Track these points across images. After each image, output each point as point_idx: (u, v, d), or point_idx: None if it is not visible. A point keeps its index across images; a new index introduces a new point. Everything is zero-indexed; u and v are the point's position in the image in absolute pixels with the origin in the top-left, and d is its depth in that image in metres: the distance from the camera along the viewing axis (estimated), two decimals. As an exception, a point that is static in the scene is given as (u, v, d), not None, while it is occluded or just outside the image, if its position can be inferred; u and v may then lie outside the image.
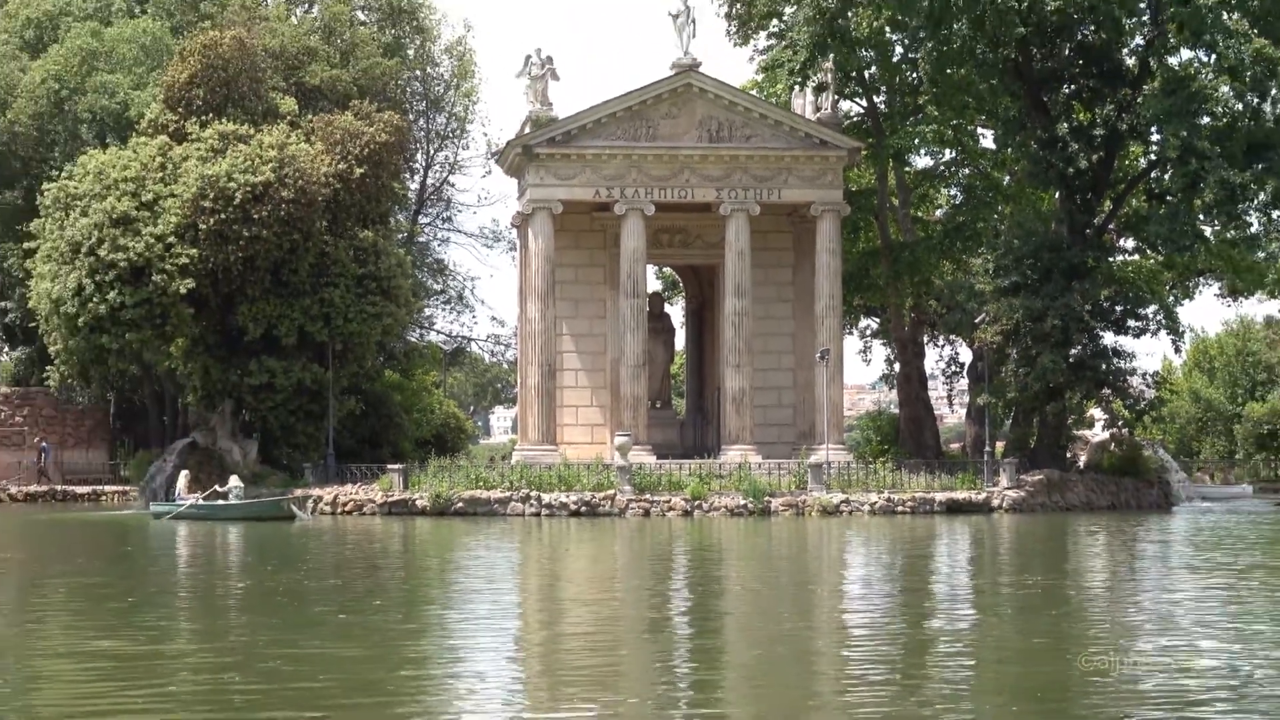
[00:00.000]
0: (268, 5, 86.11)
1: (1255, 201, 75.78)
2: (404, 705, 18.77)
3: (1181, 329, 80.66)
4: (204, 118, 73.95)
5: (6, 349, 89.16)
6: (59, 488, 77.95)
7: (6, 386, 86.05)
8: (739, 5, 76.45)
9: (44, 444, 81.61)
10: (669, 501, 64.40)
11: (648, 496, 64.99)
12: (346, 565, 40.99)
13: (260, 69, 75.91)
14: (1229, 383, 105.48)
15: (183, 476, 66.44)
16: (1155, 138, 75.92)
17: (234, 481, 63.93)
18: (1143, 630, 27.45)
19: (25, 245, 78.33)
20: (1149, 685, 20.61)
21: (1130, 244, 79.40)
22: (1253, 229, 78.27)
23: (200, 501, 61.82)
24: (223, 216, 70.67)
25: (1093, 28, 74.10)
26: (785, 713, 18.99)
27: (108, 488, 76.02)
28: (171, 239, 70.95)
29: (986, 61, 73.64)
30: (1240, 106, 72.74)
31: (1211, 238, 77.16)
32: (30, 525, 59.24)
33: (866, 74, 76.34)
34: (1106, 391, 77.35)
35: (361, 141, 74.40)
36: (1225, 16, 71.30)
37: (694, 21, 73.22)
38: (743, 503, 64.18)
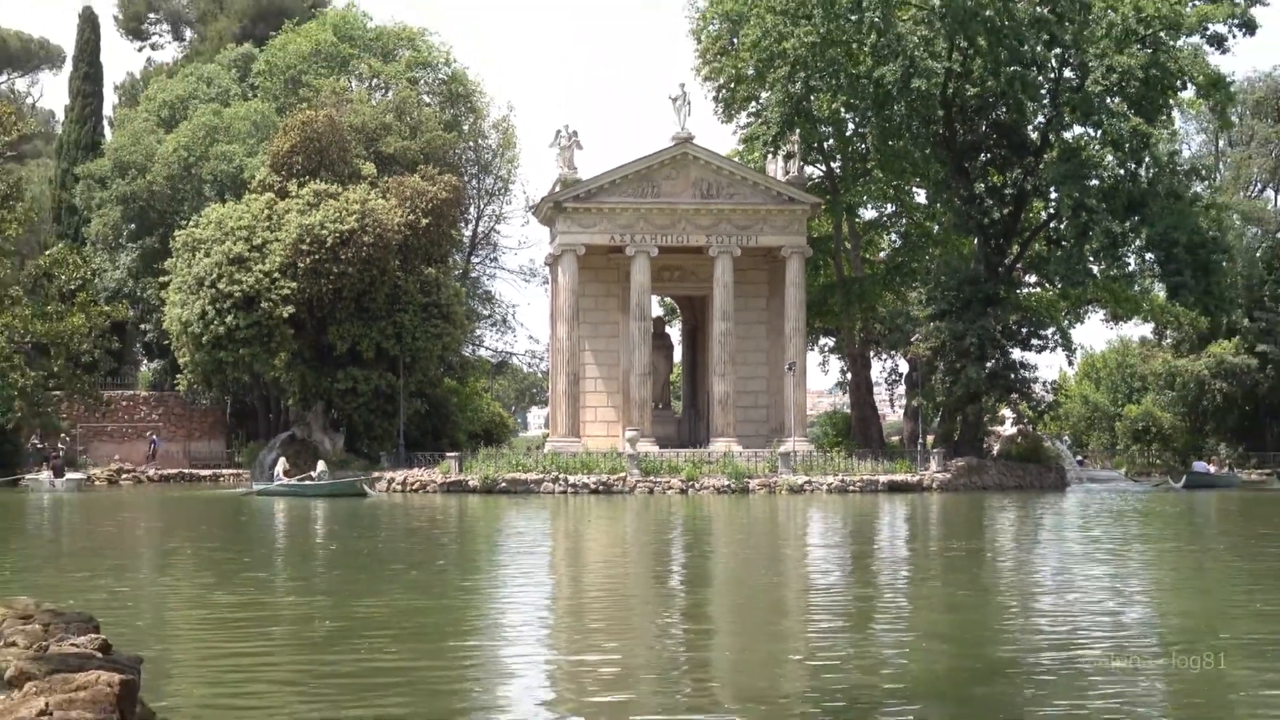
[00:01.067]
0: (352, 90, 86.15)
1: (1132, 247, 75.88)
2: (462, 644, 19.03)
3: (1074, 346, 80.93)
4: (301, 179, 74.36)
5: (146, 361, 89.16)
6: (186, 470, 78.01)
7: (145, 391, 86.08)
8: (724, 90, 76.53)
9: (154, 437, 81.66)
10: (668, 482, 64.52)
11: (651, 478, 65.14)
12: (414, 533, 41.07)
13: (346, 141, 76.17)
14: (1111, 389, 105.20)
15: (281, 461, 66.52)
16: (1053, 196, 76.38)
17: (321, 466, 64.23)
18: (1042, 584, 27.96)
19: (160, 279, 78.59)
20: (1049, 625, 20.93)
21: (1033, 279, 79.44)
22: (1130, 269, 78.56)
23: (294, 482, 61.95)
24: (316, 257, 71.09)
25: (1003, 109, 74.39)
26: (765, 646, 19.25)
27: (224, 471, 76.13)
28: (276, 274, 71.42)
29: (919, 135, 73.73)
30: (1121, 171, 72.77)
31: (1098, 275, 77.22)
32: (164, 501, 59.26)
33: (825, 145, 76.30)
34: (1014, 396, 77.84)
35: (426, 198, 74.78)
36: (1109, 100, 71.34)
37: (689, 103, 73.31)
38: (727, 483, 64.31)
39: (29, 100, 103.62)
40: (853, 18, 69.15)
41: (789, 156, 74.56)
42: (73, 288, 75.42)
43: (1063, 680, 15.38)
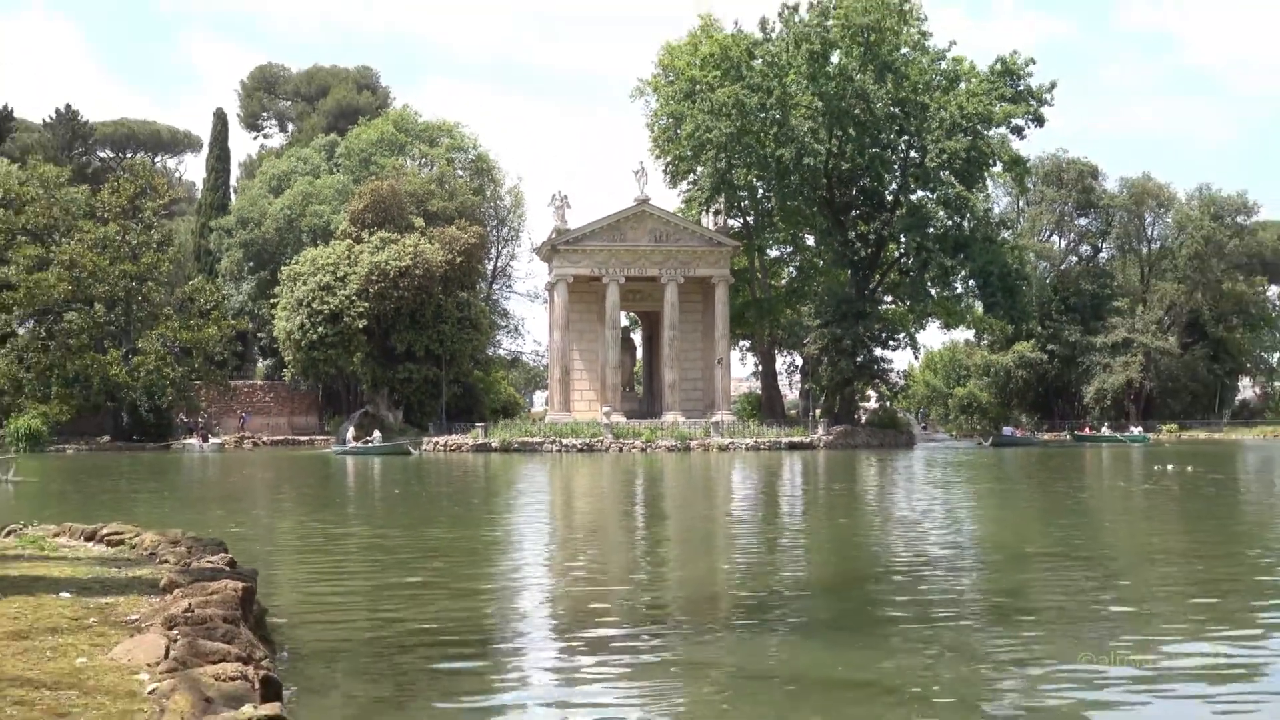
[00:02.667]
0: (407, 166, 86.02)
1: (958, 276, 76.48)
2: (492, 557, 19.02)
3: (918, 346, 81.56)
4: (371, 230, 74.54)
5: (260, 359, 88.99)
6: (290, 437, 77.80)
7: (260, 380, 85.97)
8: (670, 166, 76.52)
9: (244, 414, 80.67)
10: (633, 443, 64.46)
11: (621, 440, 65.02)
12: (454, 480, 40.94)
13: (403, 202, 76.20)
14: (944, 376, 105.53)
15: (351, 430, 66.38)
16: (902, 240, 76.86)
17: (376, 434, 63.99)
18: (898, 510, 28.09)
19: (271, 301, 78.96)
20: (903, 536, 21.03)
21: (889, 299, 79.63)
22: (957, 291, 79.29)
23: (359, 444, 61.93)
24: (382, 285, 71.70)
25: (867, 179, 74.79)
26: (699, 552, 19.27)
27: (317, 437, 75.75)
28: (353, 297, 71.99)
29: (808, 198, 74.18)
30: (950, 223, 73.25)
31: (934, 296, 77.58)
32: (274, 459, 58.93)
33: (742, 204, 76.23)
34: (876, 381, 78.39)
35: (460, 243, 74.97)
36: (941, 173, 71.59)
37: (646, 174, 73.12)
38: (674, 443, 64.28)
39: (176, 174, 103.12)
40: (760, 115, 69.45)
41: (717, 212, 74.81)
42: (208, 307, 75.34)
43: (913, 575, 15.53)
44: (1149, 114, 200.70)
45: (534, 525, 24.92)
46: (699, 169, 73.86)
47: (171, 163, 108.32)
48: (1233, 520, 25.05)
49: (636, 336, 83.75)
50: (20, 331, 71.40)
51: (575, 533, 23.46)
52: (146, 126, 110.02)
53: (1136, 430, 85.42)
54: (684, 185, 77.81)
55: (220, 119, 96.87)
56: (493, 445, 64.67)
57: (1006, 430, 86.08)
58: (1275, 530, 22.56)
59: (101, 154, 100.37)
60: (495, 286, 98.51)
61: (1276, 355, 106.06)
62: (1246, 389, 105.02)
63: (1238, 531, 22.44)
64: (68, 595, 9.91)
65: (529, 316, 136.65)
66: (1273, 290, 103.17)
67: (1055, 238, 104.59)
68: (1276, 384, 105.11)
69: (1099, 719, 8.17)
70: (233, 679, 7.08)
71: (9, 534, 14.85)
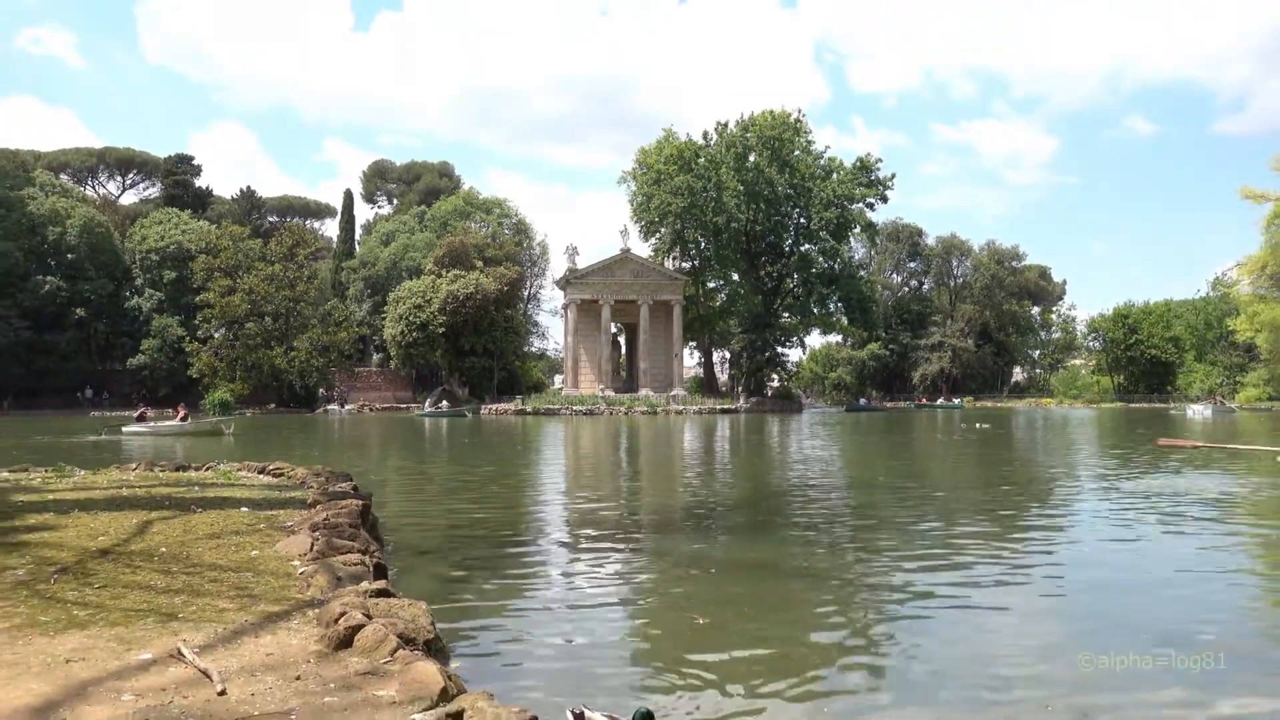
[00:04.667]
0: (471, 227, 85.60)
1: (832, 300, 76.46)
2: (529, 482, 18.97)
3: (806, 347, 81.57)
4: (448, 269, 73.68)
5: (375, 353, 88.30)
6: (394, 405, 76.84)
7: (375, 368, 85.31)
8: (645, 227, 76.08)
9: (338, 390, 77.81)
10: (620, 409, 64.37)
11: (612, 407, 64.85)
12: (501, 434, 40.93)
13: (469, 251, 75.63)
14: (822, 365, 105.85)
15: (430, 401, 66.23)
16: (795, 278, 76.61)
17: (444, 403, 63.91)
18: (789, 449, 28.23)
19: (382, 315, 78.02)
20: (794, 466, 21.09)
21: (787, 315, 79.73)
22: (830, 311, 79.13)
23: (434, 410, 61.94)
24: (455, 305, 71.02)
25: (772, 236, 74.80)
26: (662, 479, 19.30)
27: (412, 406, 75.41)
28: (435, 313, 71.11)
29: (735, 249, 74.16)
30: (826, 265, 73.39)
31: (816, 314, 77.67)
32: (383, 420, 58.76)
33: (691, 252, 76.30)
34: (778, 369, 78.00)
35: (507, 278, 74.46)
36: (820, 233, 71.82)
37: (628, 232, 73.04)
38: (646, 409, 64.19)
39: (319, 231, 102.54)
40: (703, 195, 69.70)
41: (675, 258, 74.69)
42: (340, 320, 75.11)
43: (800, 494, 15.55)
44: (954, 195, 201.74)
45: (555, 463, 24.85)
46: (663, 229, 73.94)
47: (316, 224, 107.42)
48: (1009, 456, 25.24)
49: (622, 339, 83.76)
50: (216, 336, 72.04)
51: (583, 467, 23.40)
52: (299, 200, 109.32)
53: (956, 400, 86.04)
54: (653, 240, 77.93)
55: (348, 196, 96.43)
56: (527, 411, 64.52)
57: (861, 401, 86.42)
58: (1037, 462, 22.73)
59: (270, 219, 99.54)
60: (529, 306, 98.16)
61: (1037, 352, 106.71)
62: (1018, 374, 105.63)
63: (1013, 464, 22.61)
64: (246, 510, 9.87)
65: (551, 326, 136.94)
66: (1034, 310, 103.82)
67: (894, 275, 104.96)
68: (1037, 371, 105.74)
69: (917, 580, 8.18)
70: (355, 565, 7.03)
71: (208, 469, 14.74)
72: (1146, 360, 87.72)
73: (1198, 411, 58.13)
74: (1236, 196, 71.64)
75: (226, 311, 69.38)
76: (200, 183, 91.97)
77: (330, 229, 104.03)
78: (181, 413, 39.27)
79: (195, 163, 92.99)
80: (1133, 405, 78.67)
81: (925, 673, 5.65)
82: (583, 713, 4.56)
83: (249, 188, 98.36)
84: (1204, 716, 4.70)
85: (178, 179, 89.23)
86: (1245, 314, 68.92)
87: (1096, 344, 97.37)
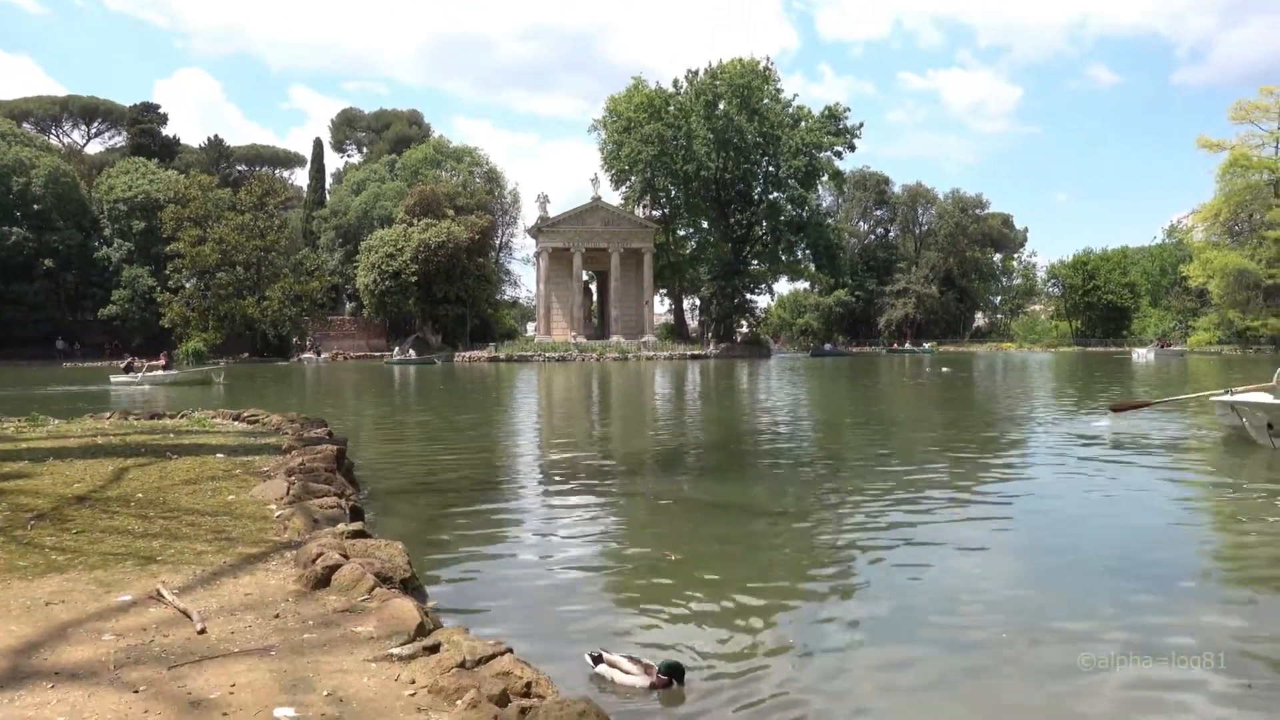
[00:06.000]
0: (442, 176, 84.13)
1: (800, 247, 76.50)
2: (503, 427, 18.95)
3: (774, 294, 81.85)
4: (419, 218, 72.44)
5: (348, 302, 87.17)
6: (367, 354, 76.24)
7: (348, 317, 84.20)
8: (615, 175, 75.37)
9: (313, 338, 77.01)
10: (591, 356, 64.40)
11: (584, 354, 64.92)
12: (473, 379, 40.83)
13: (440, 199, 74.38)
14: (790, 312, 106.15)
15: (398, 350, 65.85)
16: (764, 225, 76.45)
17: (411, 352, 63.62)
18: (758, 391, 28.36)
19: (354, 264, 76.79)
20: (763, 406, 21.24)
21: (756, 263, 79.67)
22: (799, 258, 79.18)
23: (402, 357, 61.63)
24: (427, 254, 69.69)
25: (741, 184, 74.26)
26: (633, 419, 19.36)
27: (384, 355, 74.78)
28: (408, 261, 69.91)
29: (704, 197, 73.77)
30: (795, 213, 73.28)
31: (785, 261, 77.76)
32: (356, 368, 58.34)
33: (662, 200, 75.84)
34: (747, 315, 78.22)
35: (478, 226, 73.20)
36: (789, 180, 71.58)
37: (599, 180, 72.51)
38: (618, 356, 64.30)
39: (289, 181, 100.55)
40: (673, 143, 69.05)
41: (645, 206, 74.25)
42: (312, 269, 74.21)
43: (769, 435, 15.71)
44: (921, 143, 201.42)
45: (529, 409, 24.82)
46: (633, 178, 73.30)
47: (285, 173, 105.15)
48: (972, 399, 25.60)
49: (593, 287, 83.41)
50: (187, 285, 71.02)
51: (555, 413, 23.40)
52: (268, 149, 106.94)
53: (925, 345, 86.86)
54: (624, 188, 77.28)
55: (318, 145, 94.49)
56: (501, 358, 64.30)
57: (826, 346, 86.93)
58: (999, 403, 23.07)
59: (239, 168, 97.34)
60: (501, 254, 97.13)
61: (998, 298, 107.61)
62: (979, 319, 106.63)
63: (974, 407, 22.94)
64: (222, 456, 9.80)
65: (523, 274, 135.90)
66: (997, 257, 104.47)
67: (861, 223, 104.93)
68: (998, 316, 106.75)
69: (882, 517, 8.32)
70: (331, 508, 7.02)
71: (182, 416, 14.59)
72: (1103, 306, 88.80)
73: (1142, 355, 59.16)
74: (1194, 146, 72.26)
75: (197, 261, 68.41)
76: (167, 131, 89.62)
77: (300, 178, 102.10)
78: (163, 361, 38.89)
79: (161, 111, 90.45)
80: (1089, 349, 79.85)
81: (889, 606, 5.77)
82: (601, 655, 4.50)
83: (217, 136, 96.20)
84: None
85: (143, 128, 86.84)
86: (1198, 260, 69.80)
87: (1056, 290, 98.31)
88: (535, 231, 73.80)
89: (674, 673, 4.29)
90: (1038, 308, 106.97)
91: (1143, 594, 5.89)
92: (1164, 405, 16.21)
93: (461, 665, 3.68)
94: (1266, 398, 13.09)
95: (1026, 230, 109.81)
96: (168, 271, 69.22)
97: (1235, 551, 7.23)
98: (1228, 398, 13.34)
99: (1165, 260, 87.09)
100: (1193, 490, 10.08)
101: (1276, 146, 68.70)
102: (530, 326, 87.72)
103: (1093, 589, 6.00)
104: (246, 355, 70.04)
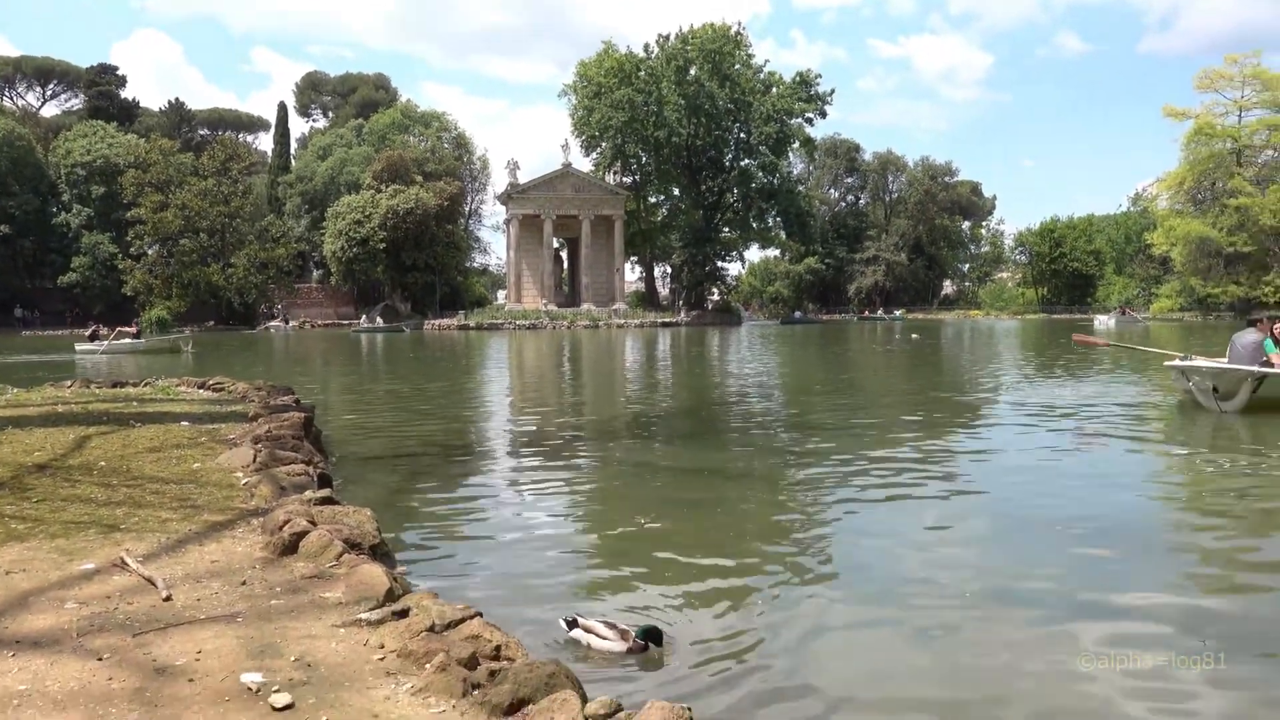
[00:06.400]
0: (410, 141, 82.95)
1: (771, 215, 76.49)
2: (473, 396, 18.86)
3: (745, 261, 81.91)
4: (387, 184, 71.44)
5: (315, 270, 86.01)
6: (335, 322, 75.41)
7: (316, 285, 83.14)
8: (585, 141, 74.89)
9: (282, 305, 76.65)
10: (562, 323, 64.29)
11: (555, 321, 64.82)
12: (443, 348, 40.59)
13: (409, 165, 73.40)
14: (761, 279, 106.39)
15: (365, 319, 65.36)
16: (735, 192, 76.27)
17: (379, 320, 63.17)
18: (730, 360, 28.51)
19: (321, 231, 75.69)
20: (734, 373, 21.31)
21: (727, 230, 79.65)
22: (769, 226, 79.22)
23: (369, 325, 61.17)
24: (395, 220, 68.92)
25: (713, 151, 74.05)
26: (604, 381, 19.35)
27: (353, 322, 74.10)
28: (376, 228, 69.04)
29: (675, 164, 73.43)
30: (766, 180, 73.16)
31: (755, 228, 77.78)
32: (325, 336, 57.84)
33: (633, 167, 75.46)
34: (718, 282, 78.30)
35: (447, 193, 72.37)
36: (760, 147, 71.37)
37: (569, 147, 72.23)
38: (589, 323, 64.24)
39: (253, 146, 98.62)
40: (644, 109, 68.51)
41: (615, 173, 73.84)
42: (278, 236, 73.22)
43: (739, 401, 15.78)
44: (892, 111, 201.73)
45: (500, 377, 24.72)
46: (604, 144, 72.85)
47: (249, 138, 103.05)
48: (940, 365, 25.87)
49: (564, 254, 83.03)
50: (149, 252, 69.68)
51: (527, 381, 23.31)
52: (231, 113, 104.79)
53: (896, 313, 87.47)
54: (594, 155, 76.79)
55: (282, 108, 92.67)
56: (471, 326, 64.00)
57: (796, 314, 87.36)
58: (966, 370, 23.33)
59: (201, 132, 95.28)
60: (470, 221, 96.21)
61: (966, 266, 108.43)
62: (948, 287, 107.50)
63: (942, 373, 23.18)
64: (187, 423, 9.67)
65: (493, 241, 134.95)
66: (965, 224, 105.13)
67: (831, 190, 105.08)
68: (966, 284, 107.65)
69: (852, 481, 8.39)
70: (299, 475, 6.95)
71: (146, 384, 14.37)
72: (1069, 273, 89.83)
73: (1103, 322, 60.12)
74: (1161, 114, 72.88)
75: (159, 228, 67.16)
76: (125, 94, 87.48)
77: (264, 143, 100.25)
78: (135, 329, 38.28)
79: (119, 73, 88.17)
80: (1055, 316, 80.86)
81: (860, 568, 5.84)
82: (576, 619, 4.44)
83: (178, 100, 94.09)
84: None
85: (101, 90, 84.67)
86: (1162, 228, 70.71)
87: (1023, 258, 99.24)
88: (505, 198, 73.15)
89: (651, 637, 4.28)
90: (1005, 275, 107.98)
91: (1098, 553, 6.00)
92: (1121, 349, 16.50)
93: (430, 629, 3.67)
94: (1217, 362, 13.37)
95: (995, 198, 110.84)
96: (129, 238, 67.95)
97: (1182, 514, 7.38)
98: (1178, 363, 13.59)
99: (1130, 228, 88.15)
100: (1148, 455, 10.27)
101: (1240, 115, 69.53)
102: (501, 294, 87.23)
103: (1052, 549, 6.11)
104: (211, 324, 69.09)
